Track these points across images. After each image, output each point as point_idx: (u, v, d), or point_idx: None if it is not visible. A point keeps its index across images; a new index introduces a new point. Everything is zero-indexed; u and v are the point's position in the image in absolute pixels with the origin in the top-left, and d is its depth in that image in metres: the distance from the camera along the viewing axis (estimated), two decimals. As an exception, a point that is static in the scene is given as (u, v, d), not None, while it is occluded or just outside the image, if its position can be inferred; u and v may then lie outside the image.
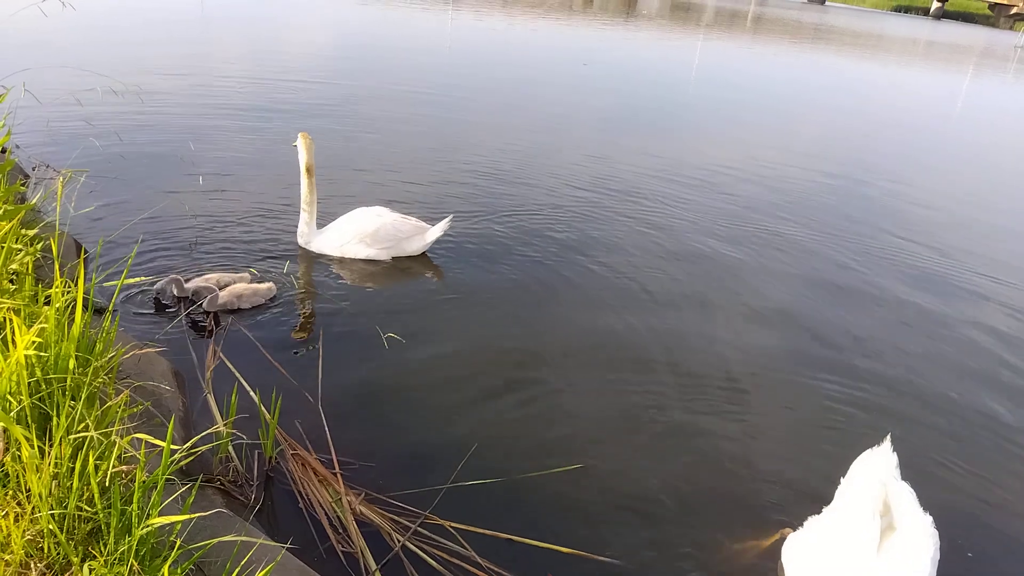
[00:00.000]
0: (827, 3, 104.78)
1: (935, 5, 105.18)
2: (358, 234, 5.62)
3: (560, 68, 18.28)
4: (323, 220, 5.86)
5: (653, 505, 3.61)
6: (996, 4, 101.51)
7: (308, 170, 5.55)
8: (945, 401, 4.91)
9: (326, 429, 3.69)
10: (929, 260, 7.43)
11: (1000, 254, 8.11)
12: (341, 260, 5.66)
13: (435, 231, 5.76)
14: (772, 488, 3.84)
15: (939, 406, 4.84)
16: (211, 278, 4.79)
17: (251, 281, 4.92)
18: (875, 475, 3.17)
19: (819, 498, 3.44)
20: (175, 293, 4.54)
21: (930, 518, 3.04)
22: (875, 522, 2.95)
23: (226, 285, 4.79)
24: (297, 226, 5.71)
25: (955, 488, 4.06)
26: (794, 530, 3.34)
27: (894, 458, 3.25)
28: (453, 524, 3.24)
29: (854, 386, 4.92)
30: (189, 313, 4.48)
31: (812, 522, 3.29)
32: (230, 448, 3.29)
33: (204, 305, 4.56)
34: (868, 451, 3.35)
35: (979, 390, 5.10)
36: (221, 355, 4.13)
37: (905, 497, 3.12)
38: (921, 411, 4.77)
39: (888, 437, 3.36)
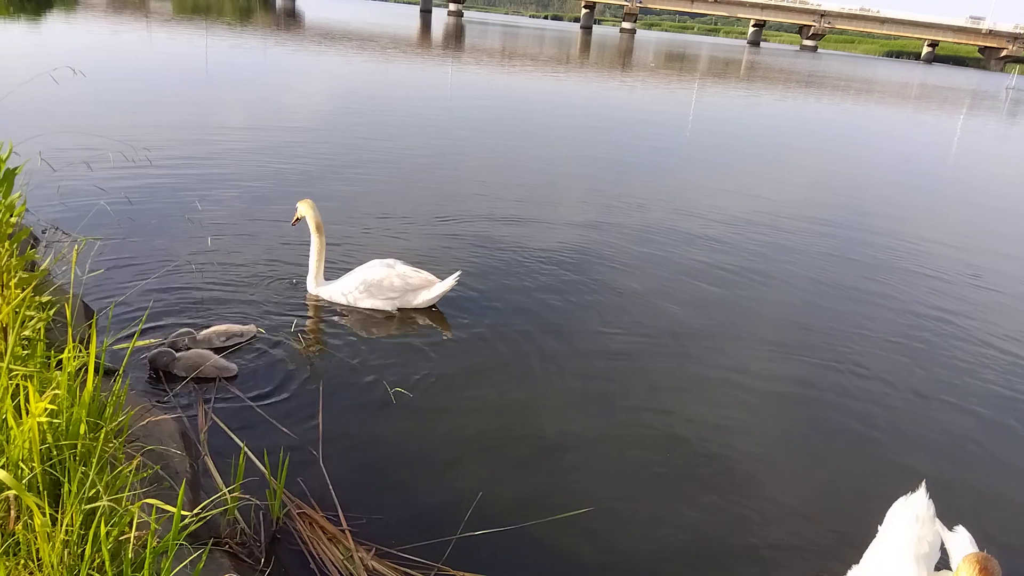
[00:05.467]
0: (819, 50, 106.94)
1: (926, 50, 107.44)
2: (365, 283, 5.74)
3: (559, 119, 18.61)
4: (336, 274, 5.99)
5: (665, 549, 3.60)
6: (986, 47, 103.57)
7: (318, 229, 5.77)
8: (966, 442, 4.90)
9: (330, 485, 3.68)
10: (929, 299, 7.46)
11: (999, 295, 8.13)
12: (346, 311, 5.73)
13: (443, 286, 5.83)
14: (797, 533, 3.80)
15: (959, 448, 4.83)
16: (222, 330, 4.88)
17: (240, 335, 5.00)
18: (911, 521, 3.08)
19: (849, 542, 3.40)
20: (165, 364, 4.56)
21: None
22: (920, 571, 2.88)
23: (229, 335, 4.88)
24: (306, 278, 5.93)
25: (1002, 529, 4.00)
26: None
27: (931, 504, 3.15)
28: (467, 574, 3.22)
29: (872, 428, 4.91)
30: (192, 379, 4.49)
31: (853, 572, 3.19)
32: (236, 511, 3.28)
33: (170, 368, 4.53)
34: (903, 498, 3.26)
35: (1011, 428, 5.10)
36: (213, 416, 4.12)
37: (963, 542, 3.03)
38: (943, 450, 4.77)
39: (924, 483, 3.28)
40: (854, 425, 4.96)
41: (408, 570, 3.20)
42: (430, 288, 5.84)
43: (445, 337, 5.56)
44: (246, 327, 5.07)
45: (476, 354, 5.32)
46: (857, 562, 3.22)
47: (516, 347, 5.47)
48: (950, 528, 3.17)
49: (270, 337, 5.13)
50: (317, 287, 5.87)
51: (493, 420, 4.57)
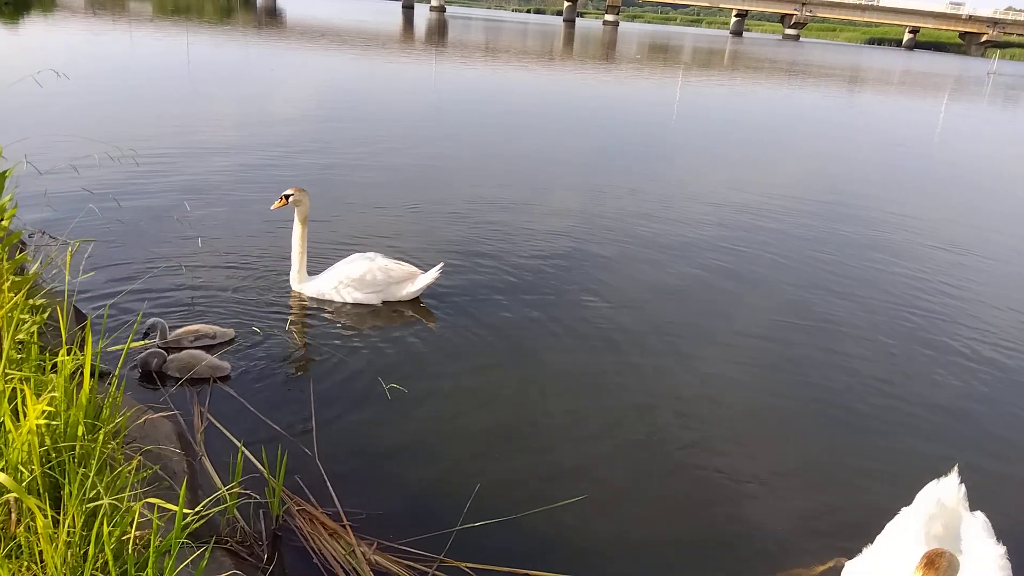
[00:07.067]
0: (802, 39, 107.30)
1: (907, 36, 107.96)
2: (348, 278, 5.74)
3: (544, 111, 18.60)
4: (320, 267, 5.97)
5: (666, 533, 3.65)
6: (966, 33, 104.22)
7: (304, 220, 5.73)
8: (979, 424, 4.96)
9: (327, 482, 3.69)
10: (920, 282, 7.52)
11: (988, 272, 8.21)
12: (334, 307, 5.74)
13: (426, 277, 5.85)
14: (804, 515, 3.85)
15: (974, 430, 4.90)
16: (192, 329, 4.88)
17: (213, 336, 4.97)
18: (930, 505, 3.08)
19: (859, 524, 3.43)
20: (156, 365, 4.55)
21: (1003, 548, 2.91)
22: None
23: (203, 335, 4.88)
24: (289, 273, 5.90)
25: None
26: (849, 559, 3.27)
27: (962, 488, 3.15)
28: (469, 564, 3.25)
29: (866, 413, 4.95)
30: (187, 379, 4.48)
31: (866, 552, 3.19)
32: (235, 510, 3.27)
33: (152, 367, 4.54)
34: (933, 482, 3.24)
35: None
36: (209, 416, 4.12)
37: (977, 527, 3.02)
38: (953, 434, 4.82)
39: (956, 467, 3.27)
40: (858, 408, 5.01)
41: (410, 563, 3.22)
42: (414, 280, 5.86)
43: (434, 329, 5.57)
44: (223, 330, 5.02)
45: (466, 345, 5.33)
46: (871, 543, 3.23)
47: (505, 337, 5.50)
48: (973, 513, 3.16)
49: (261, 335, 5.12)
50: (300, 283, 5.86)
51: (487, 411, 4.60)
